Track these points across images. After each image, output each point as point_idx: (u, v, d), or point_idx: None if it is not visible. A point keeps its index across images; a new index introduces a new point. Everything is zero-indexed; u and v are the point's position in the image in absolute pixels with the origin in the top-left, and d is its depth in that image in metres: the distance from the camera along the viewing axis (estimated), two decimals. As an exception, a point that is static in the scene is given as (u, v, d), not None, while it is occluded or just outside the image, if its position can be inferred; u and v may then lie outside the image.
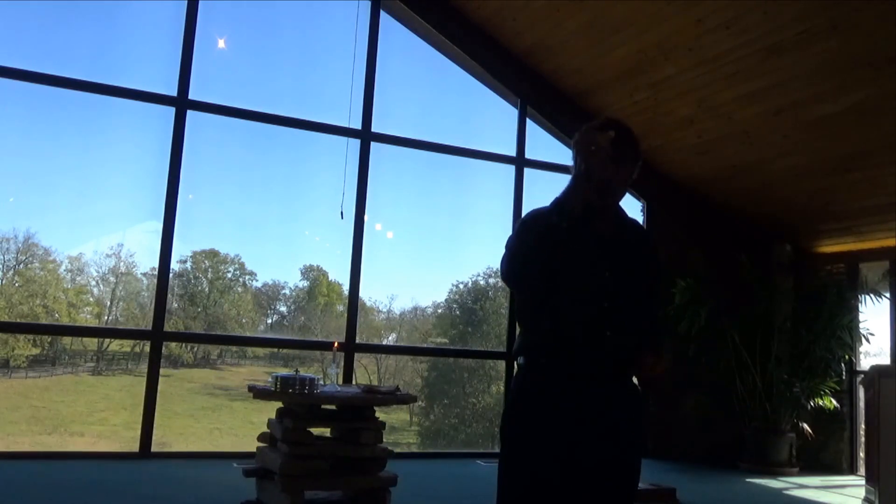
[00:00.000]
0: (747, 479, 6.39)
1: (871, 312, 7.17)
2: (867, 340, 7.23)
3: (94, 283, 16.59)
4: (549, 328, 1.98)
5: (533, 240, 1.96)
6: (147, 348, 6.17)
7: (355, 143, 6.68)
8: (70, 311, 15.66)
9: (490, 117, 7.87)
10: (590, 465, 1.93)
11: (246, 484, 4.23)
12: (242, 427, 14.54)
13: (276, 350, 16.27)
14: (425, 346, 16.84)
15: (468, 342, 16.52)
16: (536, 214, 2.05)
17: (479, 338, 16.44)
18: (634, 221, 2.16)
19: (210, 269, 17.38)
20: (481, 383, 15.99)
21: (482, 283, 17.09)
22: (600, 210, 2.04)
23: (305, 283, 18.19)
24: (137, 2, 7.71)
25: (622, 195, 2.11)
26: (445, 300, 17.40)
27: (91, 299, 16.59)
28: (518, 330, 2.16)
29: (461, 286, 17.20)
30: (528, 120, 7.30)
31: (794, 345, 7.09)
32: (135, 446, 5.79)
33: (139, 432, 5.75)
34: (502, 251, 2.06)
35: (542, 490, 1.92)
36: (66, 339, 15.40)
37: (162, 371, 6.01)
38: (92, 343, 15.78)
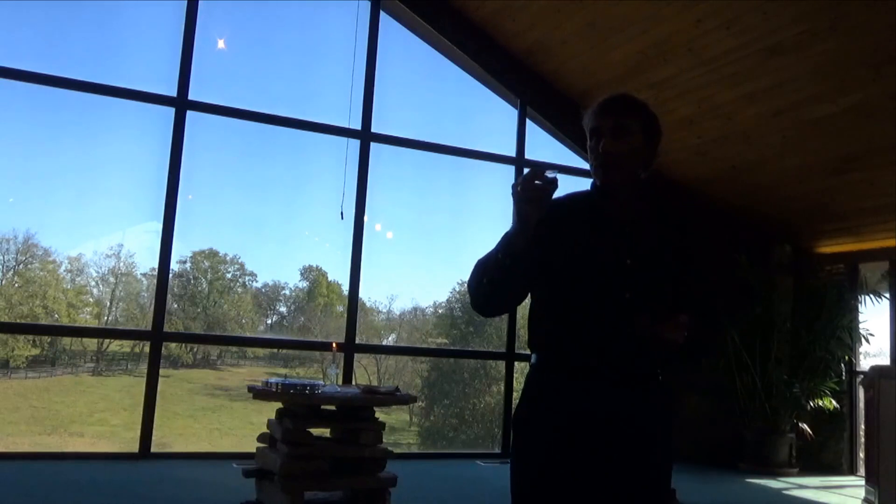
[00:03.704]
0: (747, 480, 6.39)
1: (871, 313, 7.19)
2: (867, 341, 7.24)
3: (93, 283, 16.58)
4: (566, 324, 1.76)
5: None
6: (147, 349, 6.16)
7: (355, 144, 6.68)
8: (70, 311, 15.64)
9: (490, 118, 7.86)
10: (614, 475, 1.73)
11: (246, 484, 4.23)
12: (242, 427, 14.53)
13: (276, 350, 16.28)
14: (425, 346, 16.83)
15: (469, 343, 16.49)
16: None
17: (482, 338, 16.41)
18: (660, 201, 1.89)
19: (210, 270, 17.35)
20: (482, 384, 15.97)
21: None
22: (612, 190, 1.82)
23: (305, 284, 18.17)
24: (137, 2, 7.70)
25: (630, 170, 1.81)
26: (447, 300, 17.37)
27: (91, 300, 16.57)
28: (528, 323, 1.89)
29: (464, 285, 17.16)
30: (527, 120, 7.30)
31: (794, 345, 7.09)
32: (134, 447, 5.79)
33: (139, 433, 5.75)
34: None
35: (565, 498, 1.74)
36: (66, 340, 15.38)
37: (162, 371, 6.00)
38: (92, 343, 15.76)
